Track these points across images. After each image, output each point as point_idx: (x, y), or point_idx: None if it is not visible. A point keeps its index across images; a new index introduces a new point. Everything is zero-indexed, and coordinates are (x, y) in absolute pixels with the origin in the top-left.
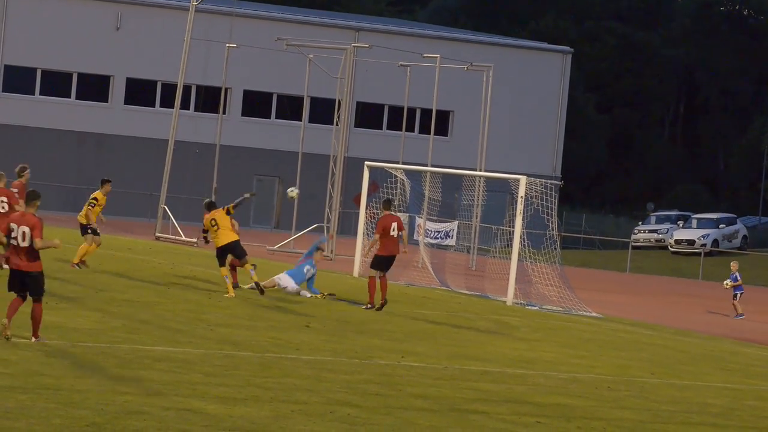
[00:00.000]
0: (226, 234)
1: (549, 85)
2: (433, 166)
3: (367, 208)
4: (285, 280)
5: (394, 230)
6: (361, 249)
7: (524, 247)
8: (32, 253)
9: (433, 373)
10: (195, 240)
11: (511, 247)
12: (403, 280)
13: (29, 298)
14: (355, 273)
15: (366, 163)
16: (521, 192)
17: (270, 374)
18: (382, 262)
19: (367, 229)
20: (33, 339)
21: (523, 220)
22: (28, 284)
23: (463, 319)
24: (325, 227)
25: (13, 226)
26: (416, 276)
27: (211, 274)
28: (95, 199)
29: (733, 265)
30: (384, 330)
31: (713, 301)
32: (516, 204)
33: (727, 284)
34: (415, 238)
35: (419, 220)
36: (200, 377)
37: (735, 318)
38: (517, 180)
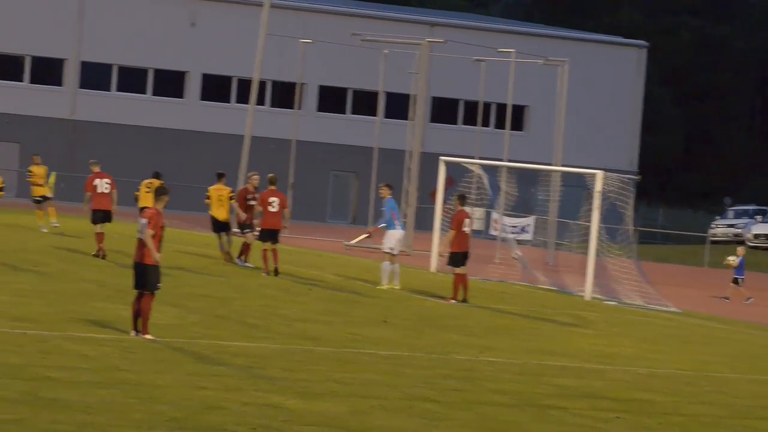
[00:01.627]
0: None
1: (625, 80)
2: (508, 161)
3: (443, 204)
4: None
5: (467, 226)
6: (437, 244)
7: (601, 242)
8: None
9: (512, 368)
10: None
11: (588, 241)
12: (479, 276)
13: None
14: (432, 268)
15: (441, 158)
16: (598, 187)
17: (348, 369)
18: (457, 259)
19: (443, 224)
20: (135, 334)
21: (599, 215)
22: (142, 277)
23: (542, 314)
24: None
25: (140, 219)
26: (493, 271)
27: (286, 269)
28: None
29: (740, 250)
30: (462, 325)
31: None
32: (593, 199)
33: (731, 259)
34: (491, 233)
35: (496, 215)
36: (279, 372)
37: (745, 302)
38: (594, 175)
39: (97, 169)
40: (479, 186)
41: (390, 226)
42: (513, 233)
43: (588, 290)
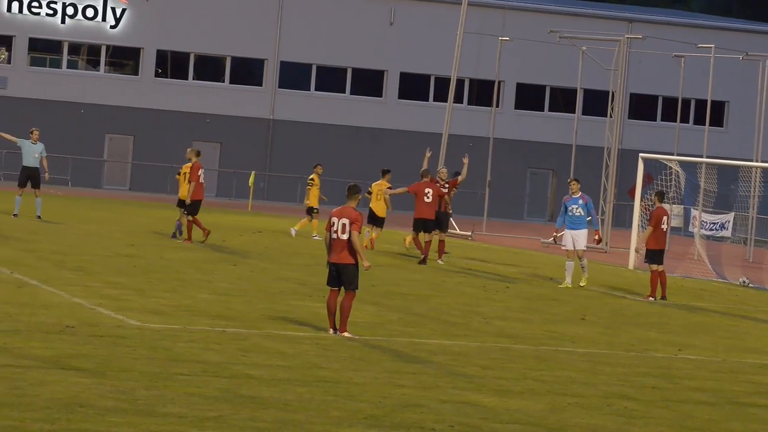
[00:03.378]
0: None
1: None
2: (708, 157)
3: (642, 200)
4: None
5: (664, 223)
6: (635, 241)
7: None
8: (349, 245)
9: (711, 365)
10: (470, 233)
11: None
12: (679, 273)
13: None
14: (630, 266)
15: (640, 155)
16: None
17: (546, 367)
18: (654, 256)
19: (641, 221)
20: (333, 332)
21: None
22: (342, 277)
23: (741, 311)
24: (599, 220)
25: (334, 219)
26: (692, 268)
27: (486, 266)
28: (312, 179)
29: None
30: (660, 323)
31: None
32: None
33: None
34: (690, 229)
35: (694, 212)
36: (476, 370)
37: None
38: None
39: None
40: (677, 183)
41: (564, 224)
42: (712, 229)
43: None
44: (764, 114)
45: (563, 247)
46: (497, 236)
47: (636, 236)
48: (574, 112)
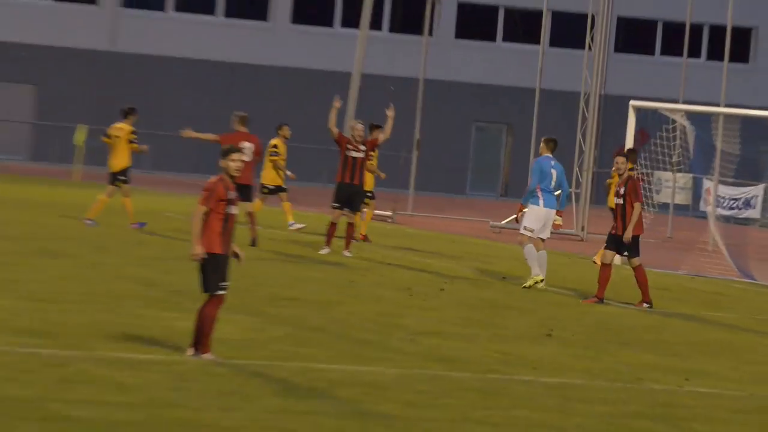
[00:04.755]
0: None
1: None
2: (728, 105)
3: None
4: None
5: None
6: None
7: None
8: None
9: (732, 402)
10: (390, 214)
11: None
12: (685, 269)
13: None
14: (617, 260)
15: (631, 102)
16: None
17: (496, 404)
18: (633, 244)
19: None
20: (193, 353)
21: None
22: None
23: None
24: (573, 194)
25: None
26: (705, 263)
27: (412, 260)
28: (275, 146)
29: None
30: (660, 341)
31: None
32: None
33: None
34: (701, 208)
35: (708, 184)
36: (397, 408)
37: None
38: None
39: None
40: (684, 143)
41: (531, 199)
42: (733, 208)
43: None
44: None
45: (524, 231)
46: (429, 217)
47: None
48: (538, 43)
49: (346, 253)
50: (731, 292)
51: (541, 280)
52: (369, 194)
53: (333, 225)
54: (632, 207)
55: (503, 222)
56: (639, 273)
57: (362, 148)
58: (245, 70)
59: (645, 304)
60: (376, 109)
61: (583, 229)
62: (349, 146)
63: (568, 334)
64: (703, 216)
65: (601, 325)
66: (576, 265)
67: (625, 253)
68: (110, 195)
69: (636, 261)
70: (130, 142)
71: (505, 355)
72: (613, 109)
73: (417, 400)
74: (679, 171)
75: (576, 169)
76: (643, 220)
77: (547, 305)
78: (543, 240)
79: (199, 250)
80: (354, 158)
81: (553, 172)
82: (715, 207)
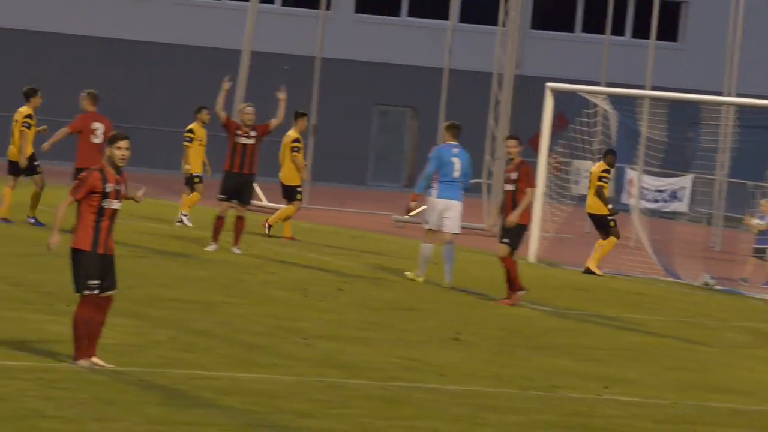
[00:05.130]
0: None
1: None
2: (654, 88)
3: (550, 156)
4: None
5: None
6: (539, 218)
7: None
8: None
9: (654, 412)
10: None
11: None
12: (605, 268)
13: None
14: (531, 256)
15: (548, 84)
16: None
17: (399, 414)
18: (519, 233)
19: (551, 188)
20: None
21: None
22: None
23: (701, 329)
24: (484, 185)
25: None
26: (627, 261)
27: (308, 257)
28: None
29: (765, 204)
30: (576, 345)
31: None
32: None
33: (755, 223)
34: (623, 201)
35: (631, 174)
36: (290, 419)
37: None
38: None
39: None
40: (605, 128)
41: (427, 190)
42: (658, 201)
43: None
44: (741, 21)
45: (426, 225)
46: (326, 210)
47: (541, 210)
48: (447, 19)
49: (235, 250)
50: (654, 293)
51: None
52: (298, 190)
53: (220, 219)
54: (524, 193)
55: (407, 215)
56: (510, 265)
57: (253, 134)
58: (121, 45)
59: (511, 301)
60: (269, 91)
61: (494, 224)
62: (239, 132)
63: (477, 338)
64: (626, 209)
65: (512, 329)
66: (487, 264)
67: (505, 240)
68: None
69: (509, 251)
70: (24, 126)
71: (409, 361)
72: (528, 91)
73: (312, 410)
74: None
75: (488, 157)
76: (560, 213)
77: (454, 306)
78: (452, 234)
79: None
80: (244, 145)
81: (456, 161)
82: (638, 199)
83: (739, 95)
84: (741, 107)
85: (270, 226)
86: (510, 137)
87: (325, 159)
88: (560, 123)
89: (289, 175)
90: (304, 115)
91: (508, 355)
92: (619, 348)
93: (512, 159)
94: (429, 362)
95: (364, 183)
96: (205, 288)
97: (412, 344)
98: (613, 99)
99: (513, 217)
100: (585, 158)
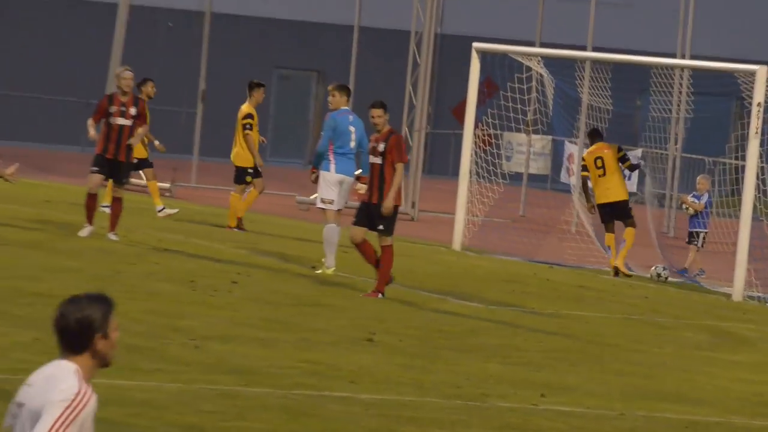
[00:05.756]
0: None
1: None
2: (596, 49)
3: (477, 127)
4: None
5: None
6: (463, 202)
7: (764, 195)
8: None
9: (598, 424)
10: (168, 185)
11: (740, 194)
12: (542, 257)
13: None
14: (456, 244)
15: (475, 45)
16: (758, 94)
17: (304, 427)
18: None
19: (479, 165)
20: None
21: (762, 146)
22: None
23: (653, 328)
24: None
25: None
26: (567, 248)
27: (197, 243)
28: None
29: (702, 181)
30: (509, 347)
31: None
32: (749, 117)
33: (690, 201)
34: (563, 179)
35: (571, 148)
36: None
37: (694, 276)
38: (752, 73)
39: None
40: (540, 95)
41: (323, 163)
42: None
43: (739, 284)
44: None
45: (322, 204)
46: (217, 190)
47: (466, 191)
48: None
49: (112, 236)
50: (599, 285)
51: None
52: (249, 171)
53: (91, 197)
54: (393, 168)
55: (312, 197)
56: (386, 255)
57: (132, 112)
58: None
59: (379, 294)
60: (151, 51)
61: (413, 205)
62: (113, 108)
63: (394, 339)
64: (566, 189)
65: (435, 327)
66: (404, 252)
67: (380, 227)
68: None
69: (388, 240)
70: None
71: (316, 366)
72: (452, 53)
73: (202, 422)
74: (536, 132)
75: (405, 129)
76: (490, 194)
77: (367, 302)
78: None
79: None
80: (120, 126)
81: (352, 129)
82: (579, 178)
83: (693, 58)
84: (697, 71)
85: (240, 220)
86: (374, 105)
87: (216, 130)
88: (488, 89)
89: (241, 154)
90: (260, 85)
91: (430, 359)
92: (558, 350)
93: (379, 129)
94: (339, 367)
95: (263, 158)
96: (75, 281)
97: (318, 346)
98: (550, 62)
99: (389, 202)
100: (518, 130)
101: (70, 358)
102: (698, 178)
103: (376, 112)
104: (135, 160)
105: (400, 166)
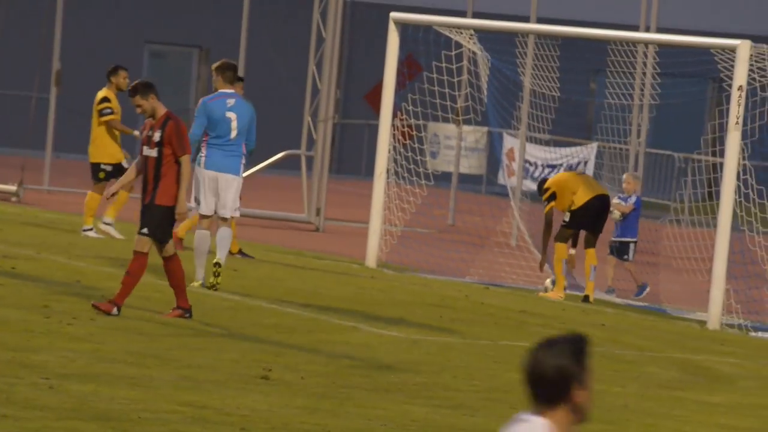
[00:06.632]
0: None
1: None
2: (541, 20)
3: (396, 117)
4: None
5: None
6: (379, 207)
7: (746, 199)
8: None
9: None
10: (14, 187)
11: (716, 198)
12: (475, 275)
13: None
14: (370, 260)
15: (392, 15)
16: (739, 76)
17: None
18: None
19: (398, 163)
20: None
21: (744, 139)
22: None
23: (612, 362)
24: (303, 157)
25: None
26: (505, 265)
27: (54, 262)
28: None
29: (629, 180)
30: (436, 385)
31: None
32: (728, 104)
33: (615, 203)
34: (501, 180)
35: (511, 142)
36: None
37: (635, 297)
38: (733, 51)
39: None
40: (473, 78)
41: (196, 157)
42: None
43: (715, 308)
44: None
45: (197, 209)
46: (74, 194)
47: (381, 193)
48: None
49: None
50: (544, 311)
51: (211, 286)
52: (102, 168)
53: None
54: (177, 163)
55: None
56: (172, 267)
57: None
58: None
59: (183, 311)
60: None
61: (318, 213)
62: None
63: (295, 376)
64: (504, 193)
65: (345, 362)
66: (307, 270)
67: (144, 230)
68: None
69: (170, 248)
70: None
71: (199, 409)
72: (365, 25)
73: None
74: (467, 122)
75: (308, 118)
76: (411, 199)
77: (262, 330)
78: (225, 219)
79: None
80: None
81: (232, 116)
82: (521, 178)
83: (660, 31)
84: (664, 47)
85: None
86: (134, 91)
87: (73, 120)
88: (409, 70)
89: (107, 151)
90: (119, 69)
91: (338, 400)
92: (496, 389)
93: (150, 115)
94: (227, 411)
95: (132, 152)
96: None
97: (203, 385)
98: (485, 36)
99: (183, 206)
100: (446, 120)
101: (543, 412)
102: (624, 176)
103: (134, 101)
104: None
105: (186, 159)
